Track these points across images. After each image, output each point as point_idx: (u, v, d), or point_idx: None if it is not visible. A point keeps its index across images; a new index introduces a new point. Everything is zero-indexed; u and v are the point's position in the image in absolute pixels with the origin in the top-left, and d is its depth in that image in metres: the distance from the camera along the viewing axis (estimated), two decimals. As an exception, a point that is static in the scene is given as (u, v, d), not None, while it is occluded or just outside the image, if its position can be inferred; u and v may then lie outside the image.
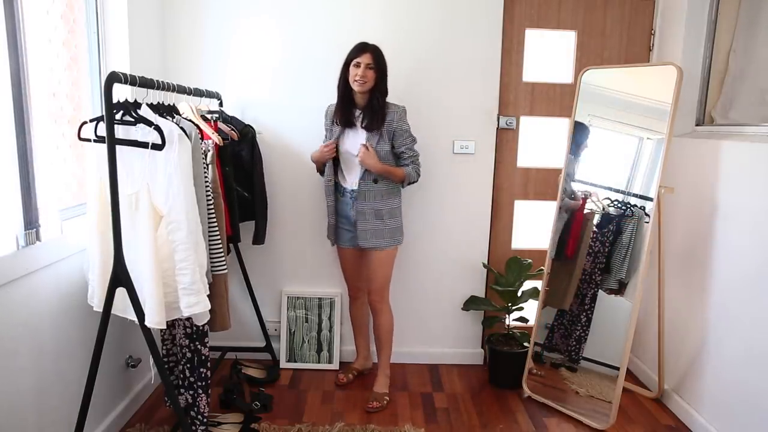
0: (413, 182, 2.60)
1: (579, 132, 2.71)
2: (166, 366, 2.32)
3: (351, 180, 2.58)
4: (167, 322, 1.88)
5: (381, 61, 2.46)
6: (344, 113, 2.52)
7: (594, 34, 2.95)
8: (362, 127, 2.51)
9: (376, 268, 2.62)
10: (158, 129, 1.78)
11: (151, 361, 1.88)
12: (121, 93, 1.89)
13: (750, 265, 2.17)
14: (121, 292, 1.80)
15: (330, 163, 2.59)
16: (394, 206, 2.59)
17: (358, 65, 2.42)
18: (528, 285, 2.90)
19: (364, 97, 2.49)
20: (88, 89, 2.33)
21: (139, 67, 2.48)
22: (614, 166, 2.63)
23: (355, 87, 2.44)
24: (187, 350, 2.12)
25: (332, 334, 3.02)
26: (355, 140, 2.52)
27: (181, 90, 2.18)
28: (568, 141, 2.72)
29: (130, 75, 1.73)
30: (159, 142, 1.77)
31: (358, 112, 2.52)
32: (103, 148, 1.73)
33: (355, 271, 2.77)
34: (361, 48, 2.44)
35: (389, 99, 2.52)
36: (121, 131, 1.86)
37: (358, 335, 2.94)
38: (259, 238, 2.75)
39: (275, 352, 3.02)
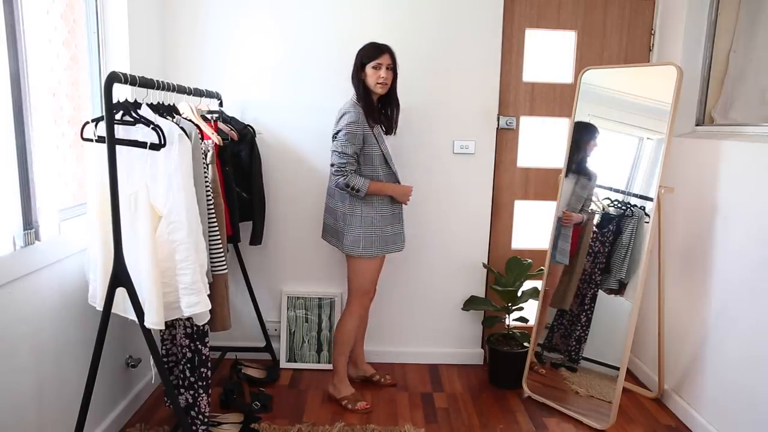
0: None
1: (585, 131, 2.69)
2: (167, 366, 2.31)
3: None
4: (168, 322, 1.88)
5: (396, 61, 2.45)
6: (376, 112, 2.48)
7: (594, 34, 2.95)
8: (384, 132, 2.55)
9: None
10: (158, 129, 1.78)
11: (152, 361, 1.88)
12: (121, 93, 1.90)
13: (750, 265, 2.17)
14: (122, 292, 1.80)
15: (390, 165, 2.50)
16: None
17: (378, 67, 2.38)
18: (528, 285, 2.90)
19: (376, 98, 2.48)
20: (88, 89, 2.33)
21: (139, 67, 2.48)
22: (614, 166, 2.63)
23: (378, 90, 2.41)
24: (187, 350, 2.12)
25: (332, 334, 3.01)
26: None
27: (181, 90, 2.18)
28: (569, 141, 2.72)
29: (130, 75, 1.73)
30: (159, 142, 1.77)
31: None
32: (104, 148, 1.73)
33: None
34: (379, 49, 2.40)
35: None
36: (121, 131, 1.86)
37: (360, 341, 2.84)
38: (256, 238, 2.75)
39: (275, 352, 3.02)
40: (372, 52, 2.40)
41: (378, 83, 2.39)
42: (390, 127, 2.55)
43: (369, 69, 2.39)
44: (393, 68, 2.43)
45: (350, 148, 2.37)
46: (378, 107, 2.50)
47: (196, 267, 1.84)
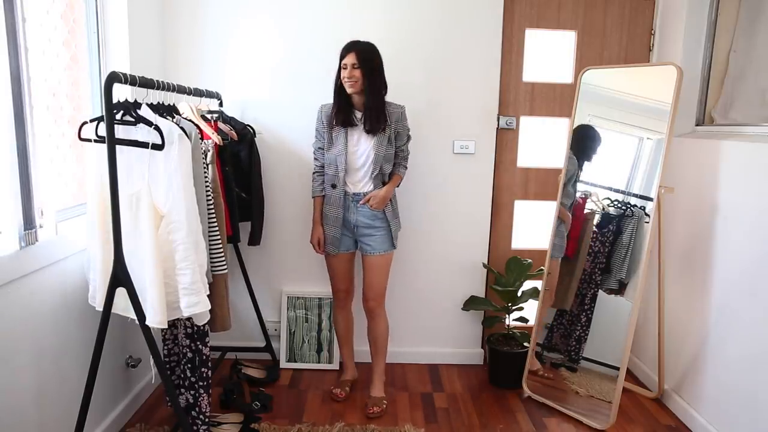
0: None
1: (591, 138, 2.68)
2: (168, 366, 2.32)
3: (356, 185, 2.50)
4: (169, 322, 1.87)
5: (368, 58, 2.36)
6: (344, 113, 2.44)
7: (594, 34, 2.95)
8: (365, 131, 2.43)
9: (380, 272, 2.57)
10: (158, 129, 1.78)
11: (152, 360, 1.88)
12: (121, 93, 1.90)
13: (750, 264, 2.17)
14: (123, 292, 1.80)
15: (342, 170, 2.45)
16: (394, 207, 2.59)
17: (344, 67, 2.37)
18: (528, 285, 2.90)
19: (360, 98, 2.42)
20: (88, 89, 2.33)
21: (139, 67, 2.48)
22: (614, 166, 2.63)
23: (347, 88, 2.39)
24: (187, 350, 2.12)
25: (332, 334, 3.01)
26: (361, 141, 2.45)
27: (181, 90, 2.18)
28: (568, 141, 2.72)
29: (130, 75, 1.73)
30: (159, 142, 1.77)
31: (359, 114, 2.46)
32: (104, 148, 1.73)
33: (346, 274, 2.66)
34: (347, 48, 2.38)
35: (388, 99, 2.48)
36: (121, 131, 1.86)
37: (345, 345, 2.79)
38: (254, 238, 2.75)
39: (275, 352, 3.02)
40: (342, 50, 2.40)
41: (344, 82, 2.38)
42: (372, 128, 2.42)
43: (341, 68, 2.40)
44: (361, 66, 2.35)
45: (315, 143, 2.59)
46: (362, 106, 2.44)
47: (195, 267, 1.84)
